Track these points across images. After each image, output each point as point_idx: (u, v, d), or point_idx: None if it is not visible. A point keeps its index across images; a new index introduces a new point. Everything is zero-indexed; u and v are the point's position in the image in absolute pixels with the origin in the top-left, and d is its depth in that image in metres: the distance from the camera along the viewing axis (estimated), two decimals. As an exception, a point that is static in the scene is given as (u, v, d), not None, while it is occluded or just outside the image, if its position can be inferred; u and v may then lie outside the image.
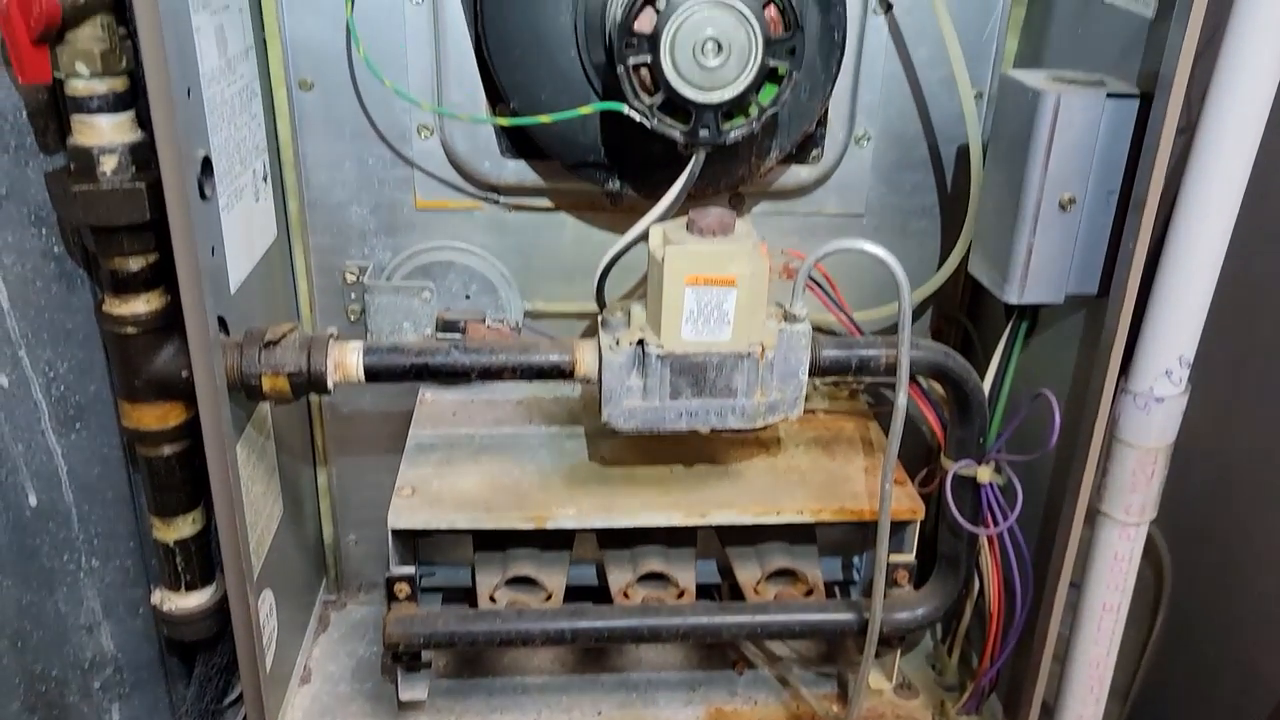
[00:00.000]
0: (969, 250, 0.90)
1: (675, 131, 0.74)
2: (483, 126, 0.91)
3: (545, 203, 0.97)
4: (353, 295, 1.00)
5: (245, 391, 0.78)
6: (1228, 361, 0.88)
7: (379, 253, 1.00)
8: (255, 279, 0.87)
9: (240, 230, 0.84)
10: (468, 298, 0.99)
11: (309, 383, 0.78)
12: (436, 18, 0.89)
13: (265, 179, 0.91)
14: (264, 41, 0.90)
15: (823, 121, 0.92)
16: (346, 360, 0.79)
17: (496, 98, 0.88)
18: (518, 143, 0.92)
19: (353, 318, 1.01)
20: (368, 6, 0.90)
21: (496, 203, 0.97)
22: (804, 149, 0.93)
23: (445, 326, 0.96)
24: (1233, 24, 0.68)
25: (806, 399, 1.01)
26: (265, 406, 0.90)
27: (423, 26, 0.90)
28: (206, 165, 0.76)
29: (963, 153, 0.96)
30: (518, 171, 0.94)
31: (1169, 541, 1.01)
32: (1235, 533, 0.93)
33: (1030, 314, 0.87)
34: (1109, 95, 0.73)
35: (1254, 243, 0.78)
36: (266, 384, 0.78)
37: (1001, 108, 0.81)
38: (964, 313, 1.03)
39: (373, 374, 0.79)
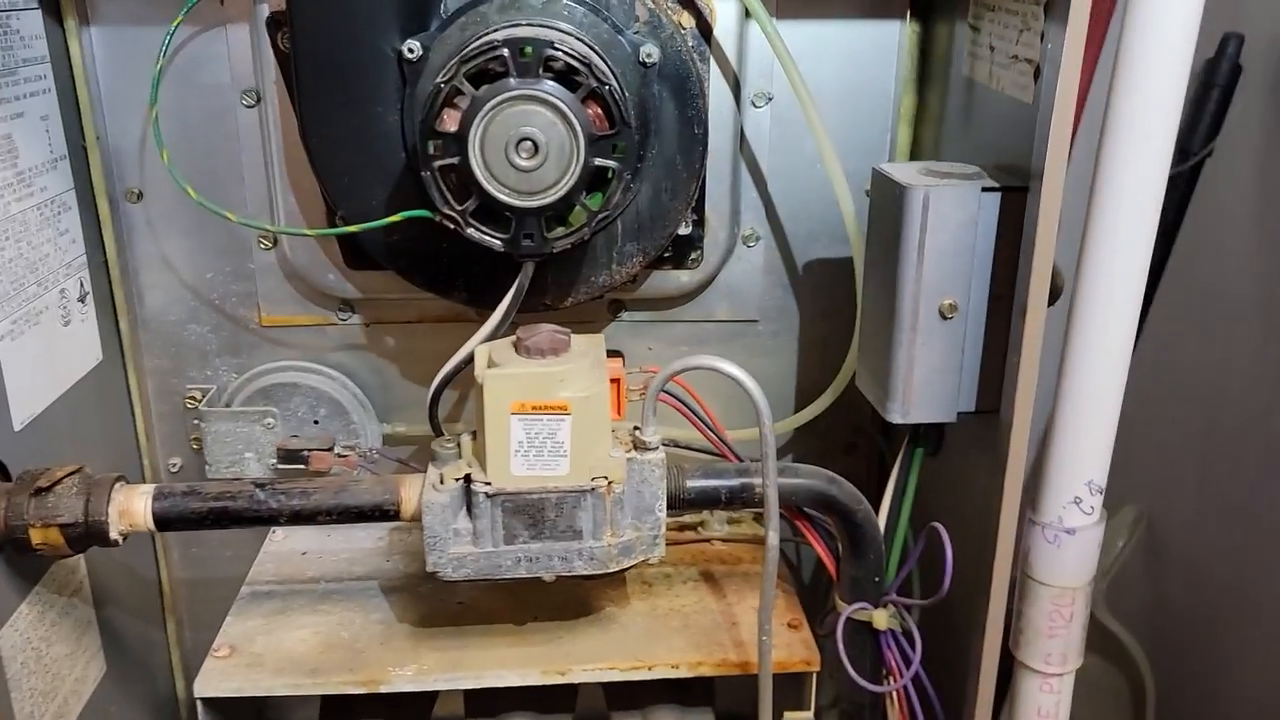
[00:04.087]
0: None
1: (494, 240, 0.65)
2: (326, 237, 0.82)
3: (401, 315, 0.88)
4: (195, 422, 0.91)
5: (13, 546, 0.68)
6: (1194, 468, 0.79)
7: (223, 374, 0.90)
8: (63, 411, 0.78)
9: (32, 359, 0.74)
10: (316, 422, 0.89)
11: (88, 534, 0.68)
12: (266, 120, 0.81)
13: (83, 299, 0.82)
14: (83, 149, 0.82)
15: (700, 222, 0.83)
16: (132, 507, 0.69)
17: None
18: (360, 254, 0.83)
19: (196, 446, 0.91)
20: (197, 108, 0.82)
21: (347, 319, 0.88)
22: (680, 252, 0.84)
23: (287, 457, 0.86)
24: (1114, 103, 0.59)
25: (702, 525, 0.92)
26: (80, 558, 0.80)
27: (254, 130, 0.82)
28: (-32, 290, 0.67)
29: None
30: (366, 283, 0.85)
31: (1150, 658, 0.90)
32: (1218, 647, 0.82)
33: (934, 433, 0.77)
34: (984, 189, 0.65)
35: (1191, 332, 0.69)
36: (36, 536, 0.68)
37: (875, 205, 0.72)
38: (876, 426, 0.93)
39: (164, 523, 0.69)
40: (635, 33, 0.73)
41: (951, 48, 0.79)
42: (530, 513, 0.67)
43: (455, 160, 0.63)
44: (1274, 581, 0.79)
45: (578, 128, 0.62)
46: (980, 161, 0.72)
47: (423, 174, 0.63)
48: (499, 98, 0.61)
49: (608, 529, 0.68)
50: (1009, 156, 0.68)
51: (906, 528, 0.76)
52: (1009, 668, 0.73)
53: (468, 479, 0.67)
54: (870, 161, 0.83)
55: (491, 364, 0.65)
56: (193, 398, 0.90)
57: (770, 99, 0.84)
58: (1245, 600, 0.81)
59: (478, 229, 0.65)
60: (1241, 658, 0.81)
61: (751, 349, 0.91)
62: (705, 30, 0.78)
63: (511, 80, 0.62)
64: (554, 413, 0.65)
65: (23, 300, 0.73)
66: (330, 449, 0.87)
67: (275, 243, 0.86)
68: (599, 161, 0.63)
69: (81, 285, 0.82)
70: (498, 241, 0.65)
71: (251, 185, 0.84)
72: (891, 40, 0.84)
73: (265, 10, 0.77)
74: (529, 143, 0.62)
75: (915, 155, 0.85)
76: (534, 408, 0.64)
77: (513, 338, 0.67)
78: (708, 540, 0.91)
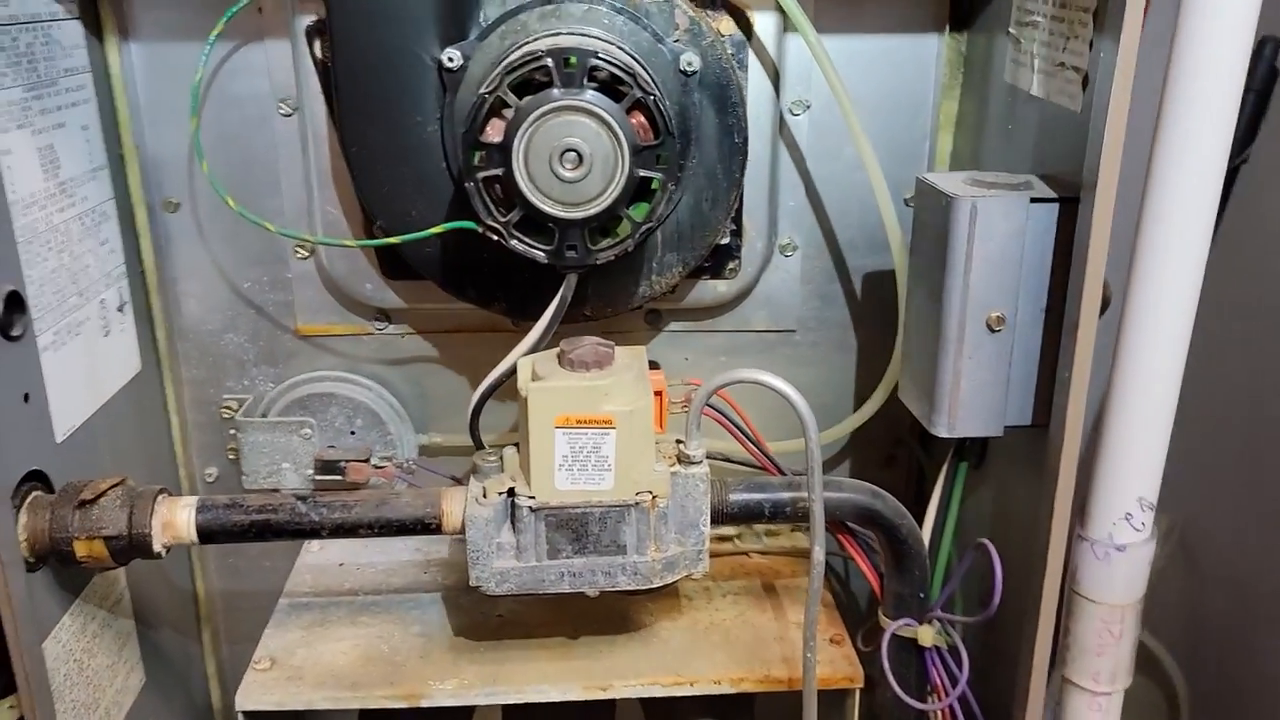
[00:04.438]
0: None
1: (538, 252, 0.65)
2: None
3: (439, 325, 0.88)
4: (232, 432, 0.91)
5: (58, 559, 0.68)
6: (1232, 478, 0.77)
7: (260, 384, 0.90)
8: (102, 422, 0.78)
9: (75, 370, 0.74)
10: (353, 433, 0.89)
11: (131, 546, 0.68)
12: (305, 129, 0.81)
13: (122, 309, 0.82)
14: (121, 158, 0.82)
15: (738, 232, 0.83)
16: (176, 519, 0.69)
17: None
18: (398, 264, 0.83)
19: (232, 457, 0.91)
20: (235, 118, 0.82)
21: (384, 329, 0.88)
22: (718, 261, 0.83)
23: (324, 468, 0.85)
24: (1167, 110, 0.58)
25: (739, 538, 0.91)
26: (120, 569, 0.80)
27: (292, 139, 0.82)
28: (13, 301, 0.67)
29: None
30: (404, 293, 0.85)
31: (1185, 672, 0.88)
32: (1256, 661, 0.80)
33: (977, 446, 0.76)
34: (1033, 200, 0.64)
35: (1229, 339, 0.67)
36: (80, 549, 0.67)
37: (919, 215, 0.71)
38: (915, 438, 0.92)
39: (208, 535, 0.69)
40: (675, 41, 0.72)
41: (992, 54, 0.78)
42: (574, 527, 0.67)
43: (499, 171, 0.62)
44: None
45: (622, 138, 0.61)
46: (1024, 170, 0.70)
47: (466, 185, 0.63)
48: (543, 108, 0.61)
49: (651, 544, 0.68)
50: (1055, 165, 0.67)
51: (951, 543, 0.75)
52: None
53: (511, 493, 0.67)
54: (908, 170, 0.82)
55: (535, 377, 0.65)
56: (229, 407, 0.90)
57: (808, 107, 0.83)
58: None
59: (521, 240, 0.64)
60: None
61: (789, 359, 0.90)
62: (743, 37, 0.78)
63: (556, 90, 0.61)
64: (599, 426, 0.64)
65: (65, 311, 0.73)
66: (367, 460, 0.86)
67: (312, 252, 0.86)
68: (643, 172, 0.62)
69: (120, 295, 0.82)
70: (541, 253, 0.65)
71: (289, 194, 0.84)
72: (930, 48, 0.83)
73: (304, 20, 0.77)
74: (573, 154, 0.62)
75: (955, 163, 0.84)
76: (578, 421, 0.64)
77: (556, 350, 0.66)
78: (745, 553, 0.90)
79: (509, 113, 0.61)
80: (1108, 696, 0.70)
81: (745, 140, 0.75)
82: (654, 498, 0.67)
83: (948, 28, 0.82)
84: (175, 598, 0.93)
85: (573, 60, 0.61)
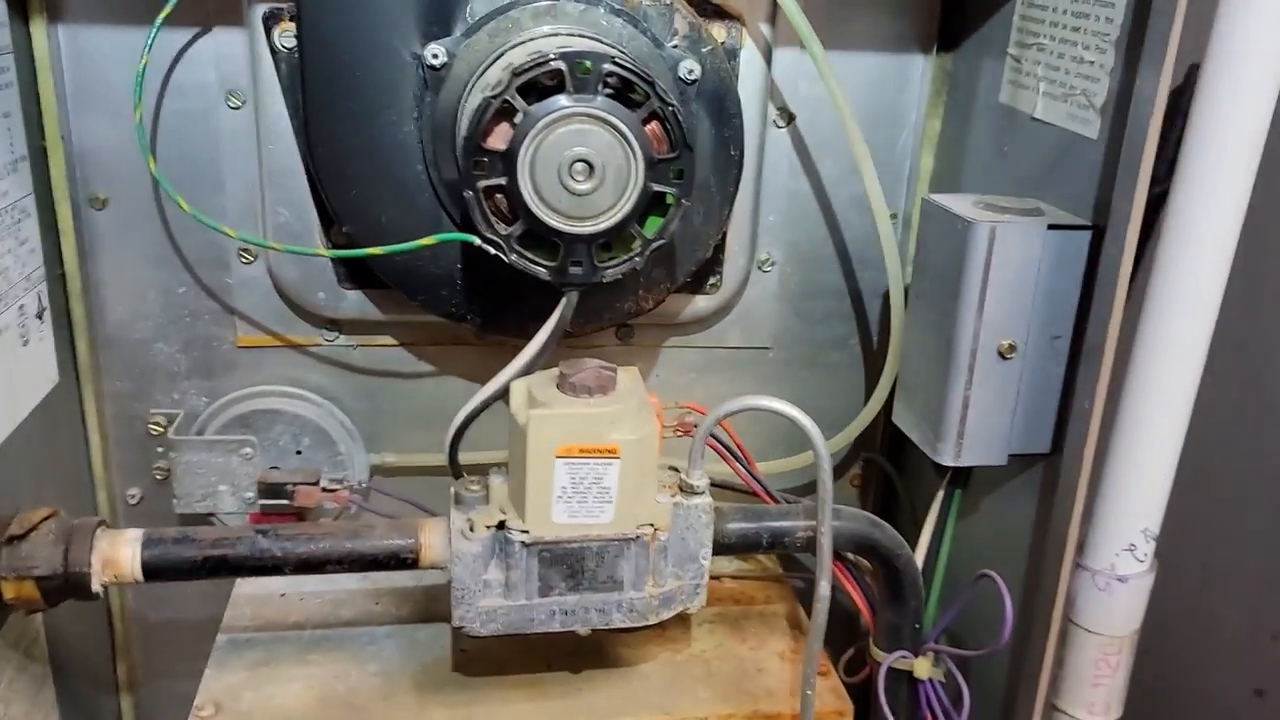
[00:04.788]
0: (890, 394, 0.77)
1: (540, 268, 0.60)
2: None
3: (395, 338, 0.82)
4: (159, 450, 0.82)
5: (-21, 602, 0.60)
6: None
7: (191, 398, 0.82)
8: (20, 443, 0.69)
9: (-7, 386, 0.66)
10: (299, 453, 0.82)
11: (66, 586, 0.60)
12: (259, 123, 0.74)
13: (41, 315, 0.74)
14: (43, 150, 0.74)
15: (720, 246, 0.79)
16: (118, 556, 0.61)
17: (332, 218, 0.73)
18: (357, 271, 0.77)
19: (159, 476, 0.83)
20: (174, 110, 0.75)
21: (334, 340, 0.81)
22: (700, 277, 0.80)
23: (268, 491, 0.79)
24: (1191, 142, 0.57)
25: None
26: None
27: (241, 134, 0.75)
28: (-69, 310, 0.58)
29: (879, 279, 0.85)
30: (360, 303, 0.79)
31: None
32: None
33: (964, 473, 0.75)
34: (1050, 226, 0.62)
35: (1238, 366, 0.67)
36: (8, 590, 0.60)
37: (925, 238, 0.69)
38: (885, 454, 0.90)
39: (154, 572, 0.62)
40: (674, 46, 0.68)
41: (979, 75, 0.77)
42: (569, 563, 0.62)
43: (502, 181, 0.57)
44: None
45: (638, 151, 0.57)
46: (1017, 193, 0.69)
47: (465, 194, 0.58)
48: (553, 115, 0.56)
49: (650, 579, 0.64)
50: (1061, 190, 0.66)
51: (944, 574, 0.74)
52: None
53: (501, 525, 0.62)
54: (888, 189, 0.80)
55: (534, 402, 0.60)
56: (157, 423, 0.82)
57: (792, 118, 0.80)
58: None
59: (523, 255, 0.59)
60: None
61: (762, 377, 0.88)
62: (735, 46, 0.74)
63: (565, 97, 0.57)
64: (603, 456, 0.60)
65: (-16, 320, 0.65)
66: (316, 483, 0.80)
67: (256, 256, 0.79)
68: (657, 187, 0.58)
69: (39, 300, 0.74)
70: (544, 269, 0.60)
71: (233, 193, 0.77)
72: (916, 67, 0.81)
73: (261, 6, 0.70)
74: (584, 165, 0.57)
75: (938, 183, 0.83)
76: (582, 451, 0.60)
77: (552, 372, 0.62)
78: (717, 578, 0.86)
79: (515, 118, 0.56)
80: (1099, 727, 0.70)
81: (741, 153, 0.72)
82: (655, 530, 0.63)
83: (935, 47, 0.80)
84: (89, 628, 0.85)
85: (587, 64, 0.56)
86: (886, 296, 0.86)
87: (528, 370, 0.64)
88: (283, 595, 0.82)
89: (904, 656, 0.71)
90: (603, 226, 0.59)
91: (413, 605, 0.81)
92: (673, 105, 0.58)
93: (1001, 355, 0.64)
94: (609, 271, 0.61)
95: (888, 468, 0.88)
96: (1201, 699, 0.73)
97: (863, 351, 0.88)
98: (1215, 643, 0.71)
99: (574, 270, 0.60)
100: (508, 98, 0.56)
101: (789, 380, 0.88)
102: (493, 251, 0.60)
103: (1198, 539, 0.70)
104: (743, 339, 0.86)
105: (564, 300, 0.63)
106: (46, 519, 0.61)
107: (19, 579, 0.59)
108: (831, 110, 0.79)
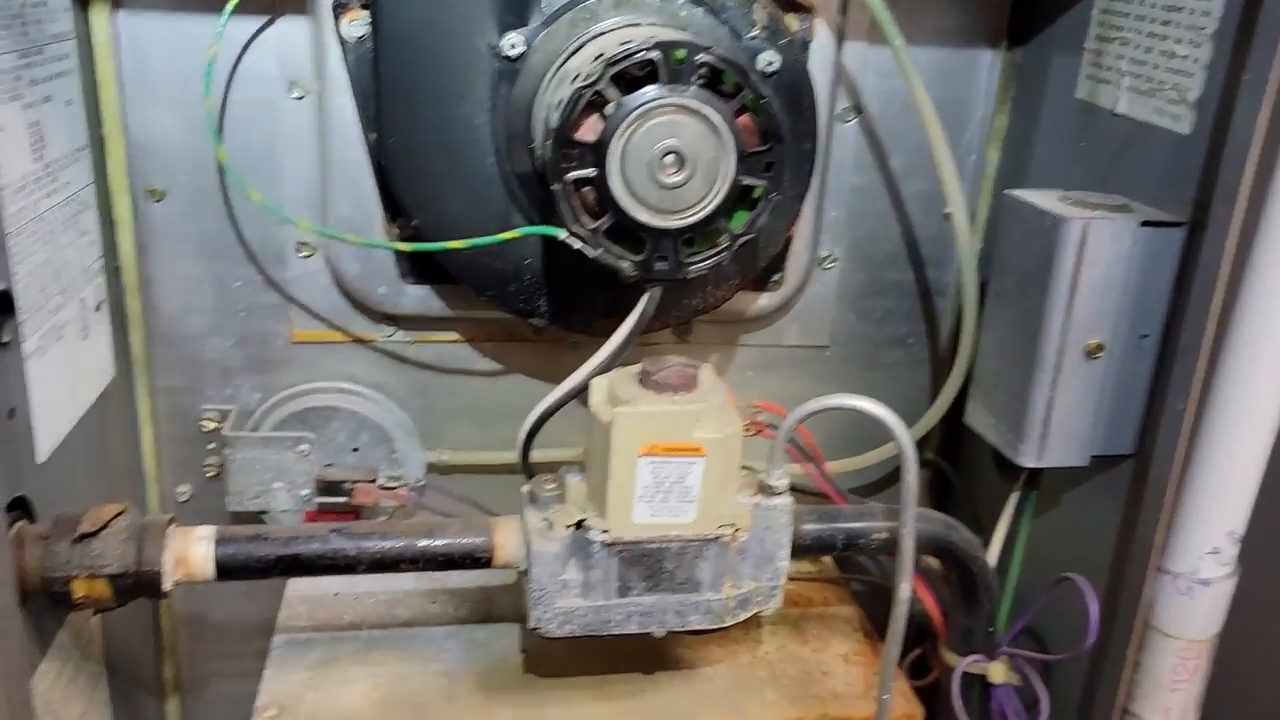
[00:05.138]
0: (959, 394, 0.76)
1: (625, 263, 0.59)
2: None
3: (453, 334, 0.81)
4: (211, 447, 0.81)
5: (50, 599, 0.58)
6: None
7: (244, 394, 0.81)
8: (80, 438, 0.68)
9: (58, 379, 0.65)
10: (356, 450, 0.81)
11: (137, 585, 0.59)
12: (322, 115, 0.72)
13: (98, 308, 0.73)
14: (101, 140, 0.72)
15: (786, 242, 0.78)
16: (191, 554, 0.60)
17: (396, 211, 0.72)
18: (420, 265, 0.75)
19: (210, 473, 0.82)
20: (234, 99, 0.73)
21: (391, 336, 0.80)
22: (765, 273, 0.79)
23: (326, 489, 0.77)
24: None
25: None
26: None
27: (304, 125, 0.74)
28: (3, 302, 0.57)
29: (941, 277, 0.84)
30: (420, 298, 0.77)
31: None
32: None
33: (1036, 474, 0.74)
34: (1143, 224, 0.61)
35: None
36: (79, 589, 0.58)
37: (1006, 234, 0.68)
38: (938, 452, 0.89)
39: (228, 570, 0.61)
40: (752, 38, 0.67)
41: (1050, 69, 0.76)
42: (648, 563, 0.61)
43: (591, 173, 0.56)
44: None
45: (730, 143, 0.56)
46: (1095, 188, 0.68)
47: (553, 187, 0.57)
48: (646, 106, 0.55)
49: (727, 580, 0.63)
50: (1148, 186, 0.65)
51: (1017, 577, 0.72)
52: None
53: (579, 525, 0.61)
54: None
55: (616, 399, 0.59)
56: (210, 419, 0.81)
57: (860, 112, 0.79)
58: None
59: (609, 250, 0.58)
60: None
61: (818, 376, 0.87)
62: (807, 38, 0.73)
63: (659, 88, 0.56)
64: (687, 454, 0.59)
65: (49, 311, 0.64)
66: (374, 480, 0.79)
67: (315, 250, 0.77)
68: (747, 180, 0.57)
69: (97, 293, 0.72)
70: (629, 264, 0.59)
71: (292, 186, 0.75)
72: (984, 61, 0.80)
73: (329, -7, 0.69)
74: (674, 157, 0.56)
75: (1005, 179, 0.82)
76: (666, 449, 0.58)
77: (634, 369, 0.61)
78: (775, 579, 0.85)
79: (608, 108, 0.55)
80: (1176, 732, 0.69)
81: (814, 147, 0.71)
82: (735, 531, 0.62)
83: (1005, 41, 0.79)
84: (139, 629, 0.83)
85: (680, 54, 0.55)
86: (947, 294, 0.85)
87: (606, 368, 0.63)
88: (336, 595, 0.81)
89: (979, 661, 0.69)
90: (691, 220, 0.58)
91: (471, 605, 0.80)
92: (766, 97, 0.56)
93: (1088, 354, 0.63)
94: (694, 267, 0.60)
95: (947, 469, 0.87)
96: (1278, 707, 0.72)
97: (923, 350, 0.87)
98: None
99: (659, 265, 0.59)
100: (600, 88, 0.55)
101: (846, 379, 0.87)
102: (577, 246, 0.58)
103: (1278, 542, 0.69)
104: (800, 337, 0.85)
105: (646, 296, 0.62)
106: (117, 516, 0.60)
107: (90, 577, 0.58)
108: (899, 104, 0.79)
